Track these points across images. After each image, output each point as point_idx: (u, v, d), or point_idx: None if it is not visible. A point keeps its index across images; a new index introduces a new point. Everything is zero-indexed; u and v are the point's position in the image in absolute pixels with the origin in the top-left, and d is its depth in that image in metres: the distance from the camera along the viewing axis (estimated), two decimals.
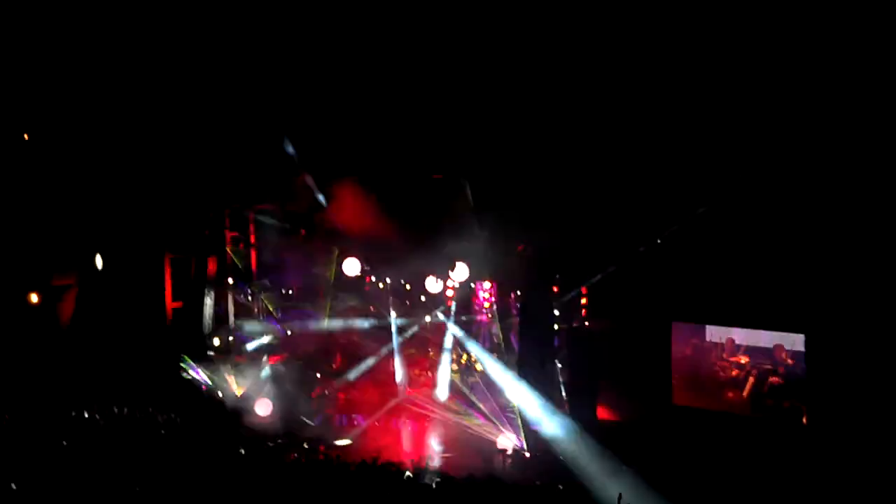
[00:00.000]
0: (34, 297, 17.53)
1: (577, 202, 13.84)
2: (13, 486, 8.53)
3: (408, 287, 18.38)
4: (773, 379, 13.47)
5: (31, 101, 15.83)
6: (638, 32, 11.74)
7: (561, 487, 10.63)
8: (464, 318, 18.13)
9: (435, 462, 14.06)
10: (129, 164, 16.75)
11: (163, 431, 13.64)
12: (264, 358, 18.59)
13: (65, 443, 11.42)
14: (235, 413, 16.54)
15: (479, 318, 18.23)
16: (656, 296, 14.28)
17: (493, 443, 15.06)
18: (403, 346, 18.66)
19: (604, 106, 12.67)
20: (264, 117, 15.26)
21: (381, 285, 18.75)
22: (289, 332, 19.19)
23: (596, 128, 12.93)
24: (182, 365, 17.92)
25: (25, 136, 16.31)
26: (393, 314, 18.67)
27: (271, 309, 19.35)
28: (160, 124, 15.97)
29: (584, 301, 15.67)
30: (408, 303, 18.92)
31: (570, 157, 13.48)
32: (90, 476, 9.58)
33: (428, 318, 18.69)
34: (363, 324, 18.98)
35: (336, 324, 19.22)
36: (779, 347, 13.39)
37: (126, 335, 17.72)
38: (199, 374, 17.91)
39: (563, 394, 15.42)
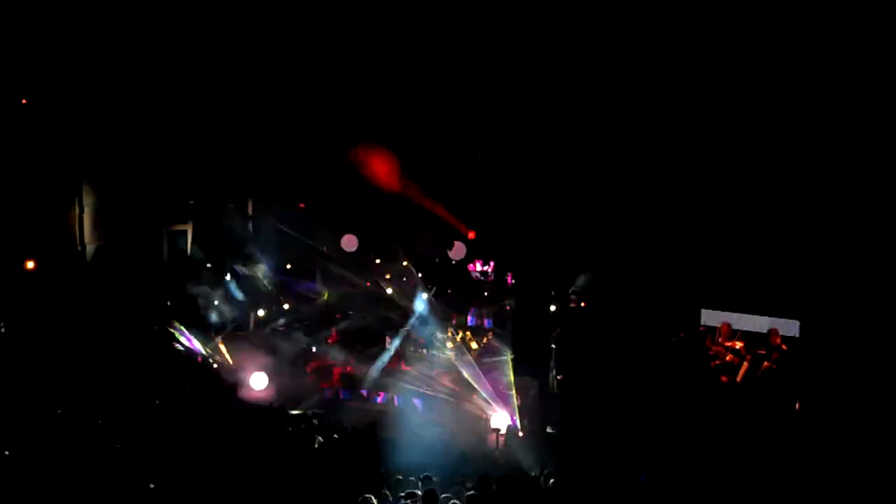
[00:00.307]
0: (30, 264, 17.49)
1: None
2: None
3: (405, 264, 18.38)
4: (767, 364, 13.49)
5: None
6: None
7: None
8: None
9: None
10: (130, 139, 16.74)
11: (157, 402, 13.66)
12: (262, 330, 18.66)
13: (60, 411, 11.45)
14: (230, 386, 16.57)
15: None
16: (652, 280, 14.28)
17: (487, 421, 15.13)
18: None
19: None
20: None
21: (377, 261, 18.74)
22: (286, 306, 19.22)
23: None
24: (176, 335, 17.93)
25: (24, 101, 16.20)
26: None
27: (266, 283, 19.35)
28: (161, 101, 15.96)
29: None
30: (405, 279, 18.95)
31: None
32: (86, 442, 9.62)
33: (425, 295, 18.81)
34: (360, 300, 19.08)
35: (333, 297, 19.29)
36: (774, 332, 13.41)
37: (123, 306, 17.72)
38: (192, 344, 17.92)
39: (556, 373, 15.48)
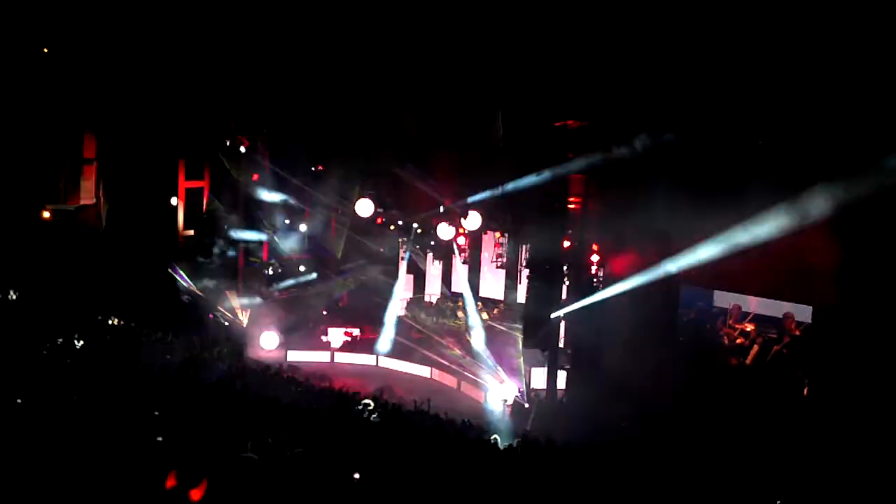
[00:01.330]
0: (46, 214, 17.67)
1: None
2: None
3: (419, 231, 18.31)
4: (778, 348, 13.46)
5: None
6: None
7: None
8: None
9: None
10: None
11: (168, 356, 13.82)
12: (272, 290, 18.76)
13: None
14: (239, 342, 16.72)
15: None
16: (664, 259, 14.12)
17: (493, 389, 15.25)
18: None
19: None
20: None
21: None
22: (302, 268, 19.30)
23: None
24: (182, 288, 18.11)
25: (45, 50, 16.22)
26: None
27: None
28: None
29: (595, 258, 15.52)
30: (417, 247, 18.95)
31: None
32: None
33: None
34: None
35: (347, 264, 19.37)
36: (789, 317, 13.32)
37: (140, 259, 17.87)
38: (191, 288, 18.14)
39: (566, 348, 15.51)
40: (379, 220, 18.27)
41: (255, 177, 18.66)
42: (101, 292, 16.28)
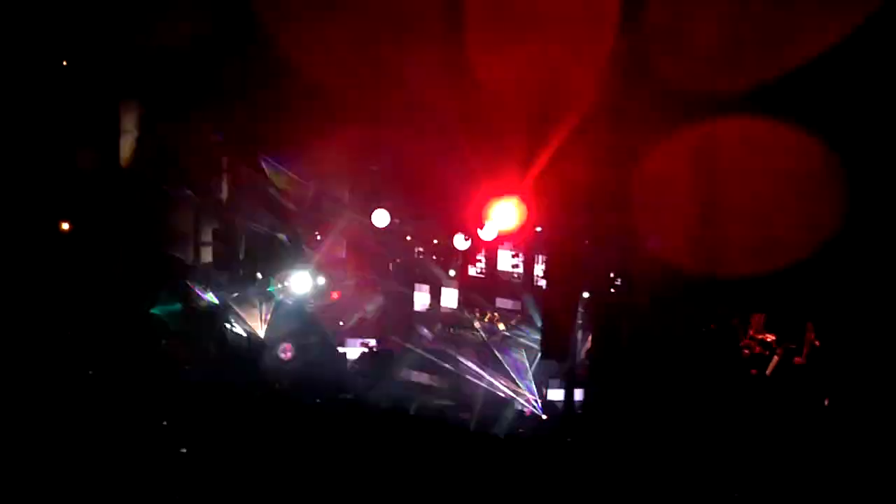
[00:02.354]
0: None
1: None
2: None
3: (435, 242, 18.33)
4: (798, 360, 13.32)
5: None
6: None
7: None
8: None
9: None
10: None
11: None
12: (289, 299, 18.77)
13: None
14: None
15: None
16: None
17: (511, 402, 15.19)
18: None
19: None
20: None
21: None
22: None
23: None
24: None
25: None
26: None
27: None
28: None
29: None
30: (435, 257, 18.95)
31: None
32: None
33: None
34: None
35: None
36: (809, 327, 13.18)
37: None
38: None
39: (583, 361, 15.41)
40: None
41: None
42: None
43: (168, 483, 7.70)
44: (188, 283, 17.95)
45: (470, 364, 16.79)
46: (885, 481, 10.91)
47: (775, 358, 13.45)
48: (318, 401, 13.55)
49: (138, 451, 8.37)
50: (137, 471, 7.77)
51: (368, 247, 19.02)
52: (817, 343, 13.06)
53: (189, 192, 18.61)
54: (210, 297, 17.89)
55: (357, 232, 18.93)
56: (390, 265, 19.59)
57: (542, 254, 17.01)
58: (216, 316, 17.67)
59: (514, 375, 15.71)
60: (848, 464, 11.45)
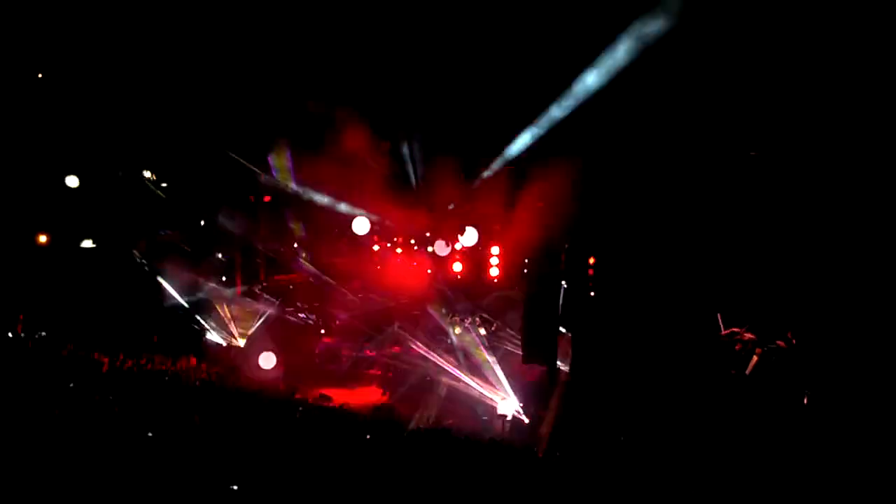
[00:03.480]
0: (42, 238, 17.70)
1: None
2: None
3: (415, 248, 18.30)
4: (778, 358, 13.34)
5: None
6: None
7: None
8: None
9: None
10: None
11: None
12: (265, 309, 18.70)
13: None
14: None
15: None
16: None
17: (494, 407, 15.15)
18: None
19: None
20: None
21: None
22: (291, 287, 19.26)
23: None
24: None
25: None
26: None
27: None
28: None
29: (590, 272, 15.48)
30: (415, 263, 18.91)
31: None
32: None
33: None
34: None
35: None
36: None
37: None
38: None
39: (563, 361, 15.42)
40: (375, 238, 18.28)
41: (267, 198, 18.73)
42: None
43: None
44: None
45: (452, 369, 16.79)
46: (864, 476, 11.00)
47: (754, 357, 13.49)
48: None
49: None
50: None
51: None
52: (794, 342, 13.12)
53: None
54: None
55: None
56: None
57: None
58: None
59: (495, 380, 15.68)
60: (827, 460, 11.52)
